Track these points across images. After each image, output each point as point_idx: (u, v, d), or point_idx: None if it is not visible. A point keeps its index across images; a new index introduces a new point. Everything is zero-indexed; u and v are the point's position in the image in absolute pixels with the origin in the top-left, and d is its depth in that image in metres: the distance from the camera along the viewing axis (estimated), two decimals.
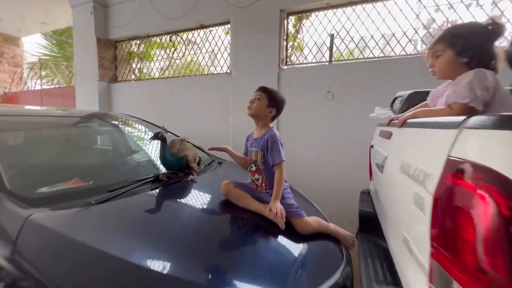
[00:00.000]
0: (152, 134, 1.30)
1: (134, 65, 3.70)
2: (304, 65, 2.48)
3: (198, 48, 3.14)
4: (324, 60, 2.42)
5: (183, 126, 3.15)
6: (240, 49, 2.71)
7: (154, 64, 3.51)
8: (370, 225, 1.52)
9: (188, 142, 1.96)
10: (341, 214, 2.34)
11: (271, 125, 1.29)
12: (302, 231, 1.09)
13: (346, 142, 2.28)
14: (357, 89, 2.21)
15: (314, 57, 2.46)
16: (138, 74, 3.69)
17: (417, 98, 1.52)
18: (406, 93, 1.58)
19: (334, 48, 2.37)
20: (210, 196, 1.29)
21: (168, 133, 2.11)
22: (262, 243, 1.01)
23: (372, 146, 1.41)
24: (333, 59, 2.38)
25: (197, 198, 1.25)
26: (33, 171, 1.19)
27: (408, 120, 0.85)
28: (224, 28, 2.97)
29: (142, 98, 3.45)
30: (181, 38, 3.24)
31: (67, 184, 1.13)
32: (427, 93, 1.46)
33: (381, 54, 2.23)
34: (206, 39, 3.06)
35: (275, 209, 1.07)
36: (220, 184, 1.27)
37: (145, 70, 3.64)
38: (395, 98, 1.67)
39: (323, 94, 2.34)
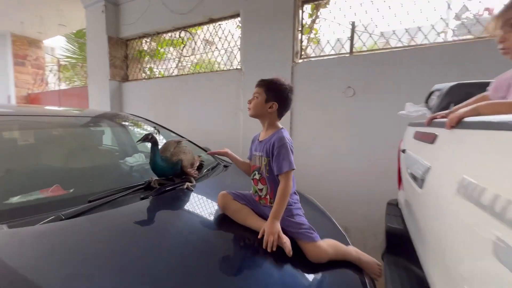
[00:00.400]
0: (142, 136, 1.14)
1: (144, 64, 3.64)
2: (321, 58, 2.23)
3: (207, 44, 2.99)
4: (344, 51, 2.15)
5: (192, 125, 3.01)
6: (251, 43, 2.51)
7: (164, 62, 3.42)
8: (399, 245, 1.26)
9: (191, 142, 1.81)
10: (363, 226, 2.08)
11: (280, 125, 1.07)
12: (315, 259, 0.87)
13: (369, 144, 2.01)
14: (383, 84, 1.93)
15: (333, 48, 2.20)
16: (148, 73, 3.62)
17: (461, 91, 1.23)
18: (446, 85, 1.30)
19: (356, 38, 2.09)
20: (207, 209, 1.10)
21: (172, 134, 1.98)
22: (262, 274, 0.80)
23: (403, 151, 1.15)
24: (354, 50, 2.10)
25: (190, 212, 1.07)
26: (10, 177, 1.07)
27: (466, 119, 0.60)
28: (234, 21, 2.79)
29: (152, 97, 3.37)
30: (190, 33, 3.11)
31: (44, 193, 0.99)
32: (476, 85, 1.17)
33: (412, 43, 1.92)
34: (215, 33, 2.90)
35: (267, 236, 0.86)
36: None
37: (155, 69, 3.56)
38: (431, 92, 1.39)
39: (343, 89, 2.07)
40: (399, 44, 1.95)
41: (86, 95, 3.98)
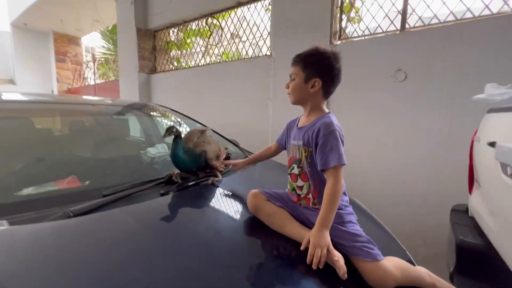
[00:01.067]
0: (165, 130, 1.01)
1: (171, 54, 3.59)
2: (365, 38, 1.93)
3: (233, 37, 2.83)
4: (394, 29, 1.83)
5: (218, 116, 2.89)
6: (282, 25, 2.27)
7: (191, 52, 3.33)
8: (478, 265, 0.99)
9: (217, 133, 1.66)
10: (411, 232, 1.78)
11: (326, 108, 0.85)
12: (377, 284, 0.65)
13: (423, 137, 1.69)
14: (443, 64, 1.59)
15: (379, 26, 1.88)
16: (175, 64, 3.56)
17: None
18: None
19: (409, 11, 1.76)
20: (235, 209, 0.94)
21: (198, 125, 1.85)
22: None
23: (492, 144, 0.87)
24: (406, 26, 1.78)
25: (216, 212, 0.91)
26: (33, 167, 0.99)
27: None
28: (264, 4, 2.57)
29: (179, 88, 3.31)
30: (217, 20, 2.95)
31: (59, 184, 0.90)
32: None
33: (485, 12, 1.54)
34: (244, 18, 2.71)
35: (314, 248, 0.66)
36: (251, 189, 0.91)
37: (182, 59, 3.49)
38: None
39: (392, 73, 1.77)
40: (468, 15, 1.58)
41: (118, 88, 4.07)
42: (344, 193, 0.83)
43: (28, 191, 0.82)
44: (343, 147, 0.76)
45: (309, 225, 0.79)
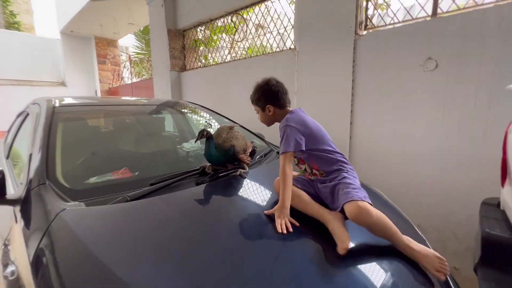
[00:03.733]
0: (197, 134, 1.17)
1: (199, 53, 3.76)
2: (393, 26, 1.87)
3: (259, 28, 2.88)
4: (425, 14, 1.75)
5: (244, 111, 3.00)
6: (306, 17, 2.28)
7: (217, 49, 3.46)
8: (503, 258, 0.99)
9: (244, 127, 1.77)
10: (440, 225, 1.75)
11: (289, 109, 1.10)
12: (353, 217, 0.81)
13: (452, 129, 1.63)
14: (480, 51, 1.50)
15: (408, 12, 1.81)
16: (203, 61, 3.74)
17: None
18: None
19: None
20: (261, 196, 1.05)
21: (226, 120, 1.99)
22: (318, 267, 0.70)
23: None
24: (438, 11, 1.69)
25: (244, 199, 1.03)
26: (92, 159, 1.21)
27: None
28: None
29: (207, 84, 3.48)
30: (242, 16, 3.03)
31: (115, 175, 1.09)
32: None
33: None
34: (268, 13, 2.75)
35: (279, 220, 0.85)
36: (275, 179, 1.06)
37: (209, 56, 3.64)
38: None
39: (421, 62, 1.71)
40: None
41: (152, 86, 4.39)
42: (347, 162, 1.00)
43: (94, 179, 1.02)
44: (299, 135, 0.96)
45: (320, 196, 0.98)
